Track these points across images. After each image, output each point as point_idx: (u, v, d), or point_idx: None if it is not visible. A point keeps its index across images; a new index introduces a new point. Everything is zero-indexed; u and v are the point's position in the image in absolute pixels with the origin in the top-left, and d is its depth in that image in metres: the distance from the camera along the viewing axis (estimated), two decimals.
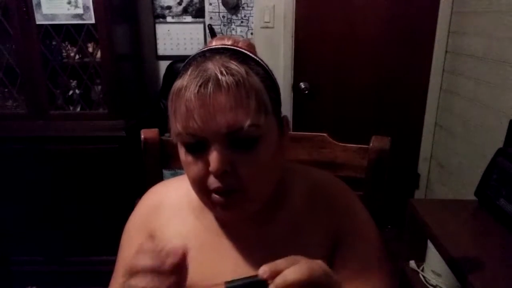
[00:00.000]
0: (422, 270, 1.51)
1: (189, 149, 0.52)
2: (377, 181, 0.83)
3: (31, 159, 1.94)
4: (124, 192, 1.92)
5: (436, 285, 1.43)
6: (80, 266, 2.05)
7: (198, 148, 0.51)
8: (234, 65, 0.50)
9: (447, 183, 2.20)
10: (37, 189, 1.98)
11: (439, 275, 1.42)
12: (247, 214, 0.56)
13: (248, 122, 0.48)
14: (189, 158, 0.52)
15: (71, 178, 1.97)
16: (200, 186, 0.53)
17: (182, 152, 0.53)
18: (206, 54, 0.53)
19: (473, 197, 1.44)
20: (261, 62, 0.56)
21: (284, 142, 0.59)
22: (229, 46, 0.55)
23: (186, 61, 0.55)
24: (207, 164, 0.50)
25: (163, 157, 0.87)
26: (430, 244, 1.43)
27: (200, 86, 0.48)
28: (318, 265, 0.40)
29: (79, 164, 1.95)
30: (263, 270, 0.38)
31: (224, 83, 0.48)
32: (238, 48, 0.55)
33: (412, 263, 1.55)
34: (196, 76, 0.49)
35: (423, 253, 1.51)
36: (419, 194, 2.51)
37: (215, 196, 0.52)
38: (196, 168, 0.51)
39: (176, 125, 0.51)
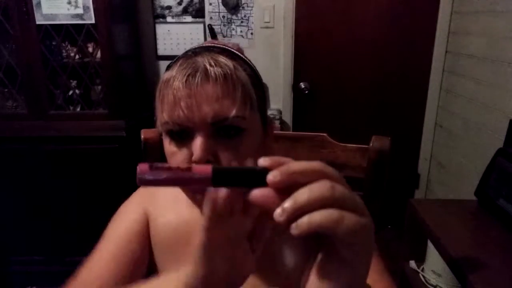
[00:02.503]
0: (422, 270, 1.51)
1: (174, 137, 0.52)
2: (377, 181, 0.83)
3: (31, 159, 1.94)
4: (124, 192, 1.92)
5: (436, 285, 1.43)
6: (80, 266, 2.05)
7: (182, 136, 0.51)
8: (222, 59, 0.51)
9: (447, 183, 2.20)
10: (37, 189, 1.98)
11: (439, 275, 1.42)
12: None
13: (233, 113, 0.49)
14: (173, 147, 0.53)
15: (71, 178, 1.97)
16: None
17: (166, 142, 0.54)
18: (196, 50, 0.55)
19: (473, 197, 1.44)
20: (249, 62, 0.58)
21: (268, 141, 0.60)
22: (218, 45, 0.57)
23: (176, 57, 0.57)
24: (190, 153, 0.51)
25: (163, 157, 0.87)
26: (430, 244, 1.43)
27: (188, 75, 0.50)
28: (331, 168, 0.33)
29: (79, 164, 1.95)
30: (264, 159, 0.32)
31: (212, 74, 0.49)
32: (227, 47, 0.57)
33: (412, 263, 1.55)
34: (185, 67, 0.51)
35: (423, 253, 1.51)
36: (419, 194, 2.51)
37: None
38: (179, 156, 0.52)
39: (163, 114, 0.52)
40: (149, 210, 0.68)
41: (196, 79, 0.49)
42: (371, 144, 0.83)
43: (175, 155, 0.52)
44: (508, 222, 1.24)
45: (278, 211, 0.29)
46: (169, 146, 0.53)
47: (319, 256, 0.33)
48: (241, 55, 0.57)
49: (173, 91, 0.50)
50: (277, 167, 0.31)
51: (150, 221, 0.67)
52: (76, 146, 1.93)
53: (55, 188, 1.98)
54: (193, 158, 0.50)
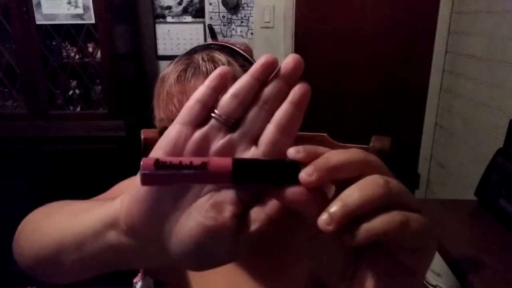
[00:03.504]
0: None
1: None
2: None
3: (31, 159, 1.94)
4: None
5: (436, 285, 1.43)
6: None
7: None
8: (217, 54, 0.51)
9: (447, 183, 2.20)
10: (37, 189, 1.98)
11: (439, 275, 1.42)
12: None
13: None
14: None
15: (71, 178, 1.97)
16: None
17: None
18: (196, 49, 0.55)
19: (473, 197, 1.44)
20: (251, 60, 0.57)
21: None
22: (220, 43, 0.57)
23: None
24: None
25: None
26: None
27: (180, 71, 0.50)
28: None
29: (79, 164, 1.95)
30: (296, 150, 0.26)
31: (203, 68, 0.49)
32: (228, 45, 0.57)
33: None
34: (180, 64, 0.51)
35: None
36: (419, 194, 2.51)
37: None
38: None
39: (159, 112, 0.52)
40: None
41: (187, 74, 0.49)
42: (371, 144, 0.83)
43: None
44: (508, 222, 1.24)
45: (324, 217, 0.23)
46: None
47: (367, 263, 0.27)
48: (243, 53, 0.56)
49: (167, 88, 0.50)
50: (312, 160, 0.25)
51: None
52: (76, 146, 1.93)
53: (55, 188, 1.98)
54: None
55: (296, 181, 0.25)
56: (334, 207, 0.23)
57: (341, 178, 0.25)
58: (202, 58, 0.50)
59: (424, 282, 1.47)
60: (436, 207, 1.45)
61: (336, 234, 0.24)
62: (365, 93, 2.40)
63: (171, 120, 0.50)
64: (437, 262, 1.38)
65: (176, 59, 0.53)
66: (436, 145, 2.37)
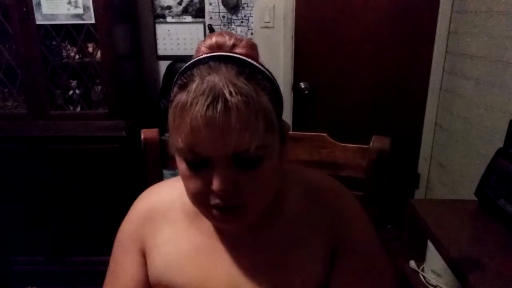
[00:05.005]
0: (422, 270, 1.51)
1: (191, 166, 0.50)
2: (377, 181, 0.83)
3: (31, 159, 1.94)
4: (124, 192, 1.92)
5: (436, 285, 1.43)
6: (80, 266, 2.05)
7: (200, 165, 0.50)
8: (242, 83, 0.47)
9: (447, 183, 2.20)
10: (37, 189, 1.98)
11: (439, 275, 1.42)
12: (245, 225, 0.56)
13: (255, 144, 0.47)
14: (189, 172, 0.51)
15: (71, 178, 1.97)
16: (200, 201, 0.52)
17: (182, 165, 0.52)
18: (210, 64, 0.50)
19: (473, 197, 1.44)
20: (267, 73, 0.54)
21: (285, 149, 0.58)
22: (234, 55, 0.52)
23: (187, 66, 0.52)
24: (209, 181, 0.49)
25: (163, 157, 0.87)
26: (430, 244, 1.43)
27: (208, 105, 0.46)
28: None
29: (79, 164, 1.95)
30: None
31: (234, 105, 0.46)
32: (244, 58, 0.52)
33: (412, 263, 1.55)
34: (203, 93, 0.46)
35: (423, 253, 1.51)
36: (419, 194, 2.51)
37: (214, 210, 0.51)
38: (197, 183, 0.50)
39: (178, 141, 0.48)
40: (146, 232, 0.65)
41: (217, 110, 0.45)
42: (371, 144, 0.83)
43: (191, 180, 0.51)
44: (508, 222, 1.24)
45: None
46: (184, 170, 0.51)
47: None
48: (259, 66, 0.53)
49: (191, 121, 0.46)
50: None
51: (147, 244, 0.64)
52: (76, 146, 1.93)
53: (55, 188, 1.98)
54: (213, 188, 0.49)
55: None
56: None
57: None
58: (230, 92, 0.46)
59: (424, 282, 1.47)
60: (436, 207, 1.45)
61: None
62: (365, 93, 2.40)
63: (194, 154, 0.48)
64: (437, 262, 1.38)
65: (194, 84, 0.48)
66: (436, 145, 2.37)
